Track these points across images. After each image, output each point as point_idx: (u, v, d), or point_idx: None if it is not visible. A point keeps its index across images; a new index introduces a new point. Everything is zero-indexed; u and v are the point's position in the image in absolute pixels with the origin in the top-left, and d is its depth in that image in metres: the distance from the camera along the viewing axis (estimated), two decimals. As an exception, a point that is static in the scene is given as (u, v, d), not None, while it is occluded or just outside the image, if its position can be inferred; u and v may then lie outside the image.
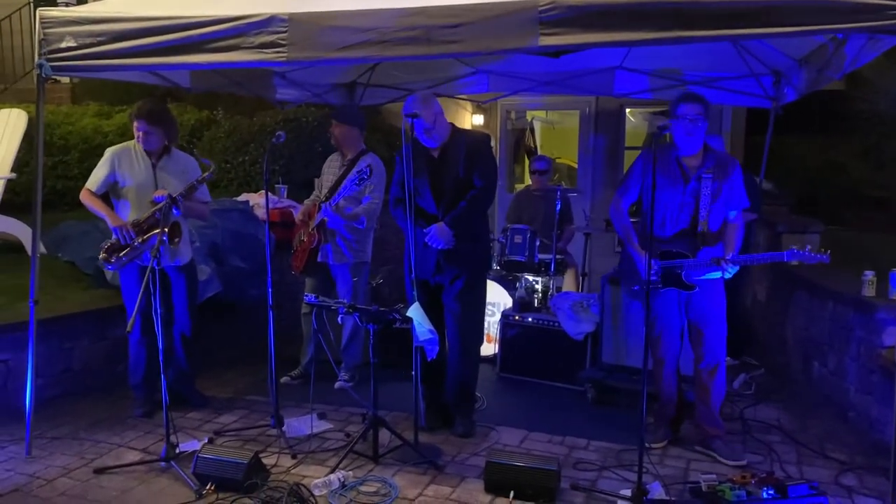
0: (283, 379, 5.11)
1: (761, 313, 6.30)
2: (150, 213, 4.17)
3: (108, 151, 4.36)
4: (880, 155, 6.56)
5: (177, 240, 4.16)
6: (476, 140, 4.23)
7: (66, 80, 9.22)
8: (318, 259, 4.92)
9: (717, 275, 3.82)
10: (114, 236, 4.20)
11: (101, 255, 4.22)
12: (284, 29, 3.31)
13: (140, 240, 4.13)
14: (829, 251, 3.58)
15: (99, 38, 3.58)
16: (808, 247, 3.63)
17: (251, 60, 3.40)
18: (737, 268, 3.79)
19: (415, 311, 3.72)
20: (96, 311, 4.92)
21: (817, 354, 5.03)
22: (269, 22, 3.33)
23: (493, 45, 3.11)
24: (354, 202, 4.79)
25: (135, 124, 4.26)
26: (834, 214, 6.56)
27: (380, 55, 3.27)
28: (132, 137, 4.34)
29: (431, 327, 3.72)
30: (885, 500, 3.44)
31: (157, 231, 3.96)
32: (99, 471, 3.69)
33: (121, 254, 4.18)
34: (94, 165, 4.35)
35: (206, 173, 4.28)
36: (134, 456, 3.89)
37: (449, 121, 4.23)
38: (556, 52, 3.84)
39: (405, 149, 3.82)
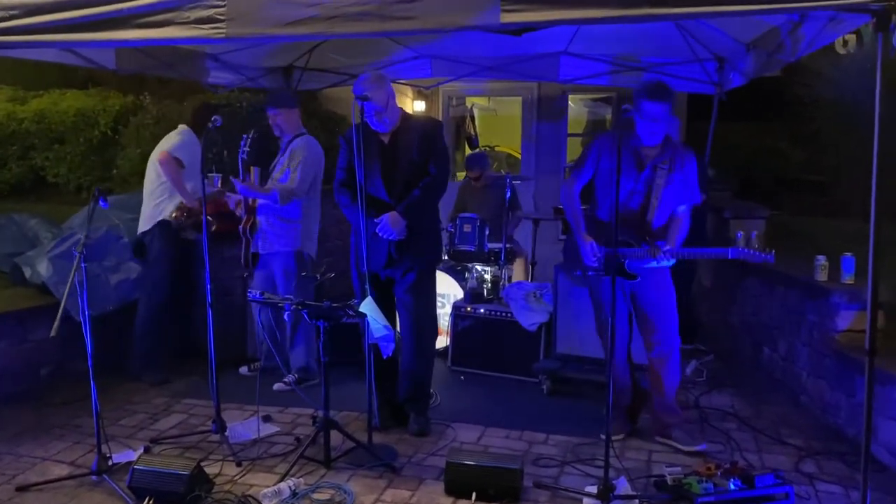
0: (242, 369, 5.05)
1: (706, 299, 6.33)
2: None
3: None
4: (818, 140, 6.66)
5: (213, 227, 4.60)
6: (429, 126, 4.03)
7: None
8: (252, 250, 4.72)
9: (657, 264, 3.73)
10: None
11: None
12: (223, 3, 3.04)
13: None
14: (773, 251, 3.51)
15: (11, 13, 3.23)
16: (741, 236, 3.56)
17: (186, 37, 3.11)
18: (672, 260, 3.71)
19: (368, 307, 3.52)
20: (15, 312, 4.52)
21: (767, 340, 5.05)
22: (205, -6, 3.04)
23: (451, 21, 2.90)
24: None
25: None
26: (773, 199, 6.64)
27: (328, 32, 3.03)
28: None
29: (387, 323, 3.52)
30: (845, 486, 3.44)
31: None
32: (22, 488, 3.37)
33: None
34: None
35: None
36: (61, 470, 3.57)
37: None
38: (519, 30, 3.66)
39: (355, 133, 3.59)
